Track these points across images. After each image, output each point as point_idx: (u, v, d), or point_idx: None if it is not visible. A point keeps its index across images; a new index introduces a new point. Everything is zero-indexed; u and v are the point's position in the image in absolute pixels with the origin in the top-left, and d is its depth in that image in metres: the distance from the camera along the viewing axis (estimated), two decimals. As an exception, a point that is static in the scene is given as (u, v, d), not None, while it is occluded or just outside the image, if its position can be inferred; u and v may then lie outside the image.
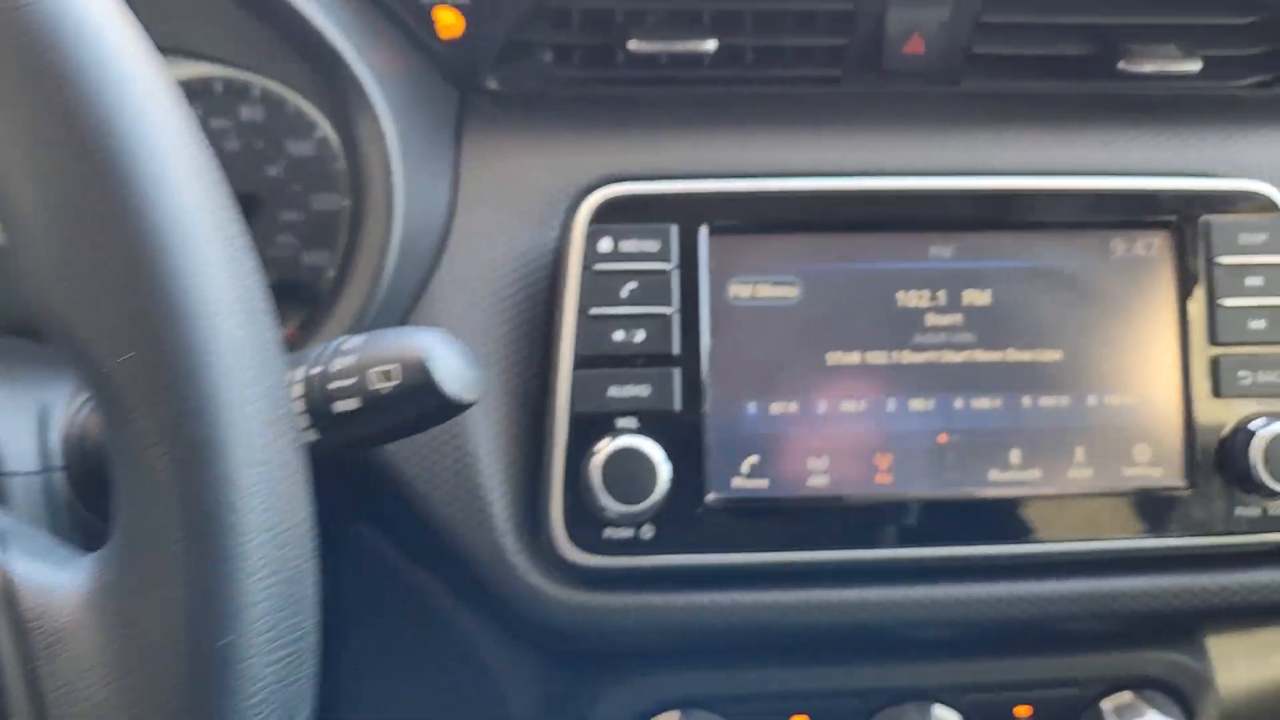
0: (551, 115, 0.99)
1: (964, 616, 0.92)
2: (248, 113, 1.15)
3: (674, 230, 0.91)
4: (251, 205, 1.15)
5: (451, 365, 0.68)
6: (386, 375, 0.67)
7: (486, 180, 0.95)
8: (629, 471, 0.86)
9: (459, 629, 0.98)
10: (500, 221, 0.94)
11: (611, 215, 0.91)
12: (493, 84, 1.02)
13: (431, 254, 0.92)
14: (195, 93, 1.13)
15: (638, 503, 0.86)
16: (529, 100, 1.01)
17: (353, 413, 0.68)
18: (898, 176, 0.95)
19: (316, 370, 0.69)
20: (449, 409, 0.68)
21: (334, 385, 0.68)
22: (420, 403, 0.68)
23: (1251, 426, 0.92)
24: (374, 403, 0.67)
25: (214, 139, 1.13)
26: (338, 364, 0.68)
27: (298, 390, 0.69)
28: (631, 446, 0.87)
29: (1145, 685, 0.99)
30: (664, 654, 0.96)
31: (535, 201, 0.94)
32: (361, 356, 0.68)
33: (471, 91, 1.02)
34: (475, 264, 0.93)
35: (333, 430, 0.69)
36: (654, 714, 0.95)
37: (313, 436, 0.69)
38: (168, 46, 1.12)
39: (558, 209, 0.94)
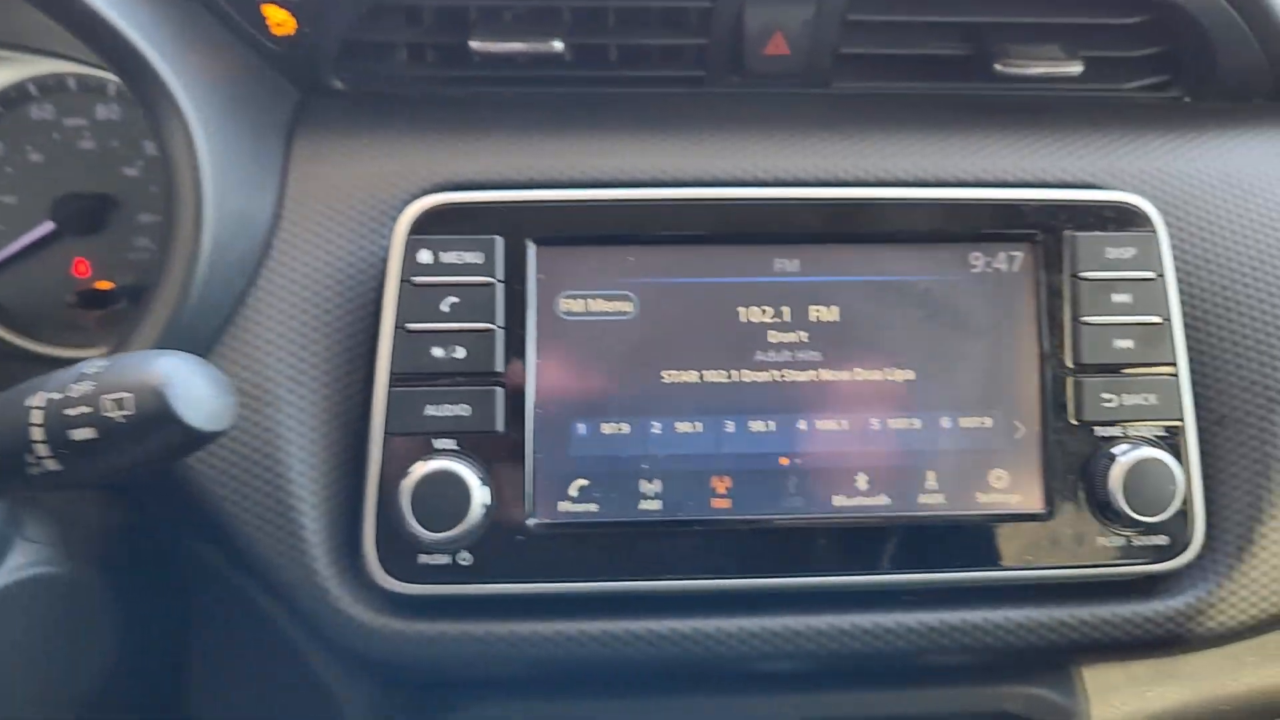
0: (395, 117, 0.95)
1: (807, 649, 0.88)
2: (103, 111, 1.11)
3: (499, 242, 0.86)
4: (109, 207, 1.12)
5: (193, 393, 0.64)
6: (120, 404, 0.63)
7: (316, 186, 0.91)
8: (440, 495, 0.82)
9: (296, 649, 0.95)
10: (328, 230, 0.90)
11: (434, 225, 0.87)
12: (337, 83, 0.98)
13: (251, 264, 0.88)
14: (48, 89, 1.10)
15: (448, 529, 0.82)
16: (376, 101, 0.97)
17: (91, 442, 0.64)
18: (743, 186, 0.91)
19: (56, 396, 0.65)
20: (193, 439, 0.64)
21: (70, 412, 0.64)
22: (161, 433, 0.64)
23: (1114, 451, 0.87)
24: (108, 433, 0.63)
25: (69, 137, 1.09)
26: (75, 390, 0.64)
27: (37, 417, 0.65)
28: (444, 469, 0.83)
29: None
30: (494, 683, 0.92)
31: (365, 209, 0.90)
32: (98, 383, 0.64)
33: (314, 92, 0.97)
34: (298, 275, 0.88)
35: (74, 459, 0.65)
36: (482, 746, 0.92)
37: (53, 466, 0.65)
38: (12, 43, 1.09)
39: (386, 218, 0.90)
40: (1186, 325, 0.92)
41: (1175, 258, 0.92)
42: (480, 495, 0.83)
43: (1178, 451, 0.88)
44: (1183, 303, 0.92)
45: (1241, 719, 1.04)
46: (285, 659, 0.96)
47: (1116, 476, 0.86)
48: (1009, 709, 0.94)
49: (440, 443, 0.85)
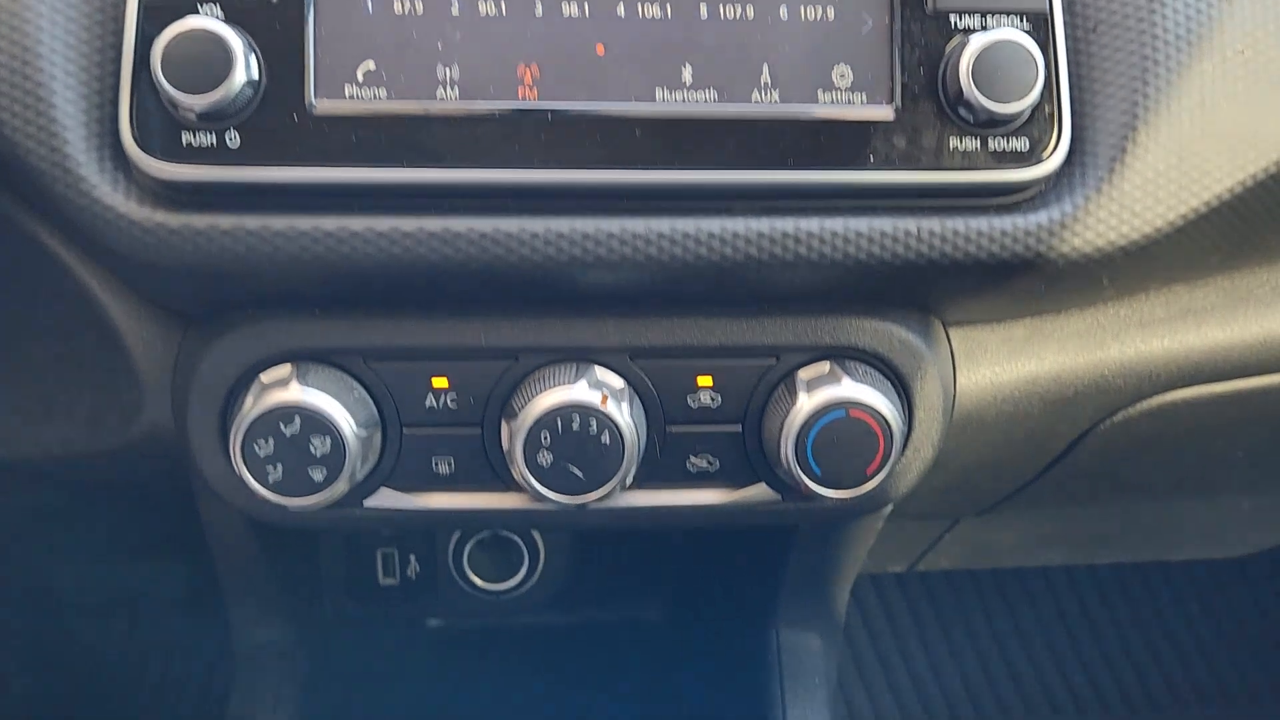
0: None
1: (623, 255, 0.79)
2: None
3: None
4: None
5: None
6: None
7: None
8: (197, 55, 0.73)
9: (70, 275, 0.86)
10: None
11: None
12: None
13: None
14: None
15: (205, 91, 0.73)
16: None
17: None
18: None
19: None
20: None
21: None
22: None
23: (969, 37, 0.78)
24: None
25: None
26: None
27: None
28: (201, 27, 0.74)
29: (852, 356, 0.86)
30: (276, 299, 0.83)
31: None
32: None
33: None
34: None
35: None
36: (262, 367, 0.83)
37: None
38: None
39: None
40: None
41: None
42: (244, 61, 0.74)
43: (1043, 42, 0.79)
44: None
45: (1124, 388, 0.96)
46: (57, 289, 0.87)
47: (968, 60, 0.77)
48: (860, 344, 0.85)
49: (206, 8, 0.76)
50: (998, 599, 1.72)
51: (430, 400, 0.86)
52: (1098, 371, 0.95)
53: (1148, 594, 1.75)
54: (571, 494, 0.84)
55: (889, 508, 0.99)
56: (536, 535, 1.19)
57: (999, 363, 0.94)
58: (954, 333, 0.93)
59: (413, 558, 1.19)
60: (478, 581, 1.18)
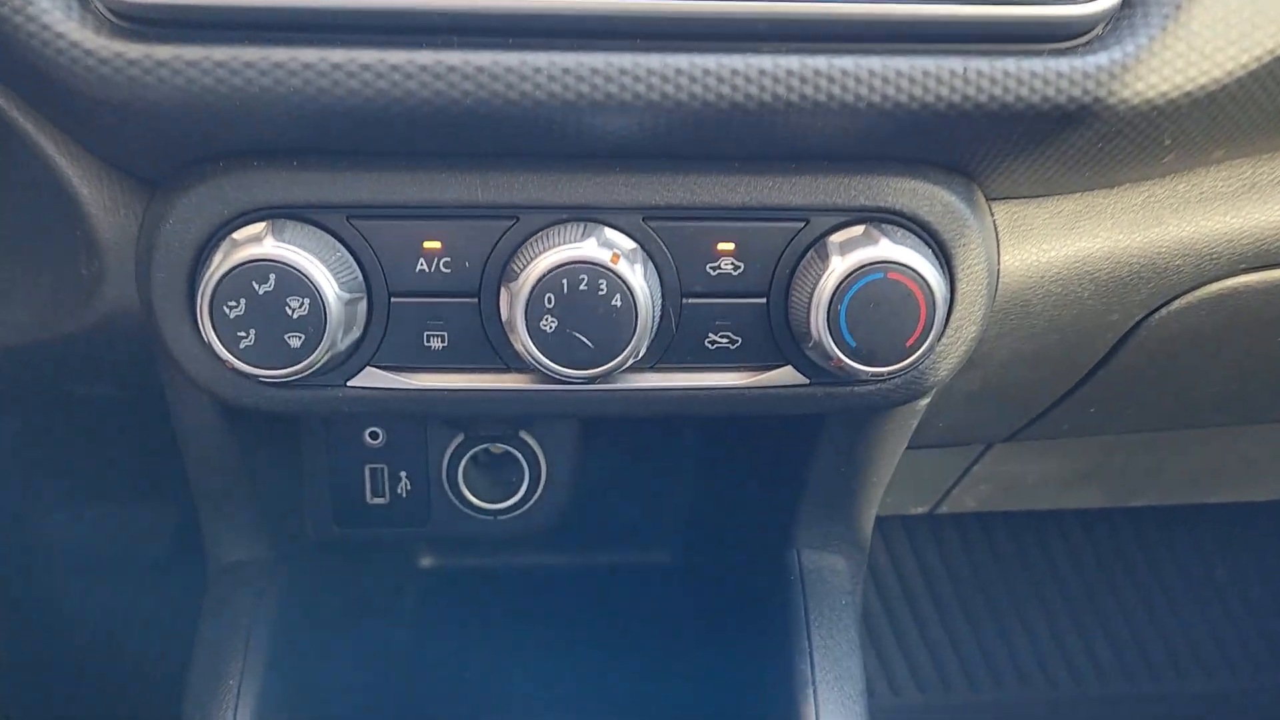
0: None
1: (634, 94, 0.70)
2: None
3: None
4: None
5: None
6: None
7: None
8: None
9: (25, 141, 0.77)
10: None
11: None
12: None
13: None
14: None
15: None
16: None
17: None
18: None
19: None
20: None
21: None
22: None
23: None
24: None
25: None
26: None
27: None
28: None
29: (890, 220, 0.78)
30: (249, 149, 0.75)
31: None
32: None
33: None
34: None
35: None
36: (233, 225, 0.75)
37: None
38: None
39: None
40: None
41: None
42: None
43: None
44: None
45: (1183, 269, 0.88)
46: (13, 159, 0.79)
47: None
48: (898, 206, 0.77)
49: None
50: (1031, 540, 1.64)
51: (421, 265, 0.77)
52: (1154, 250, 0.87)
53: (1186, 539, 1.67)
54: (578, 367, 0.75)
55: (925, 400, 0.90)
56: (537, 449, 1.10)
57: (1047, 240, 0.85)
58: (998, 208, 0.85)
59: (404, 474, 1.10)
60: (474, 500, 1.10)
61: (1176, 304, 0.91)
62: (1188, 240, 0.88)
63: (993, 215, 0.84)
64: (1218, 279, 0.90)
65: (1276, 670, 1.64)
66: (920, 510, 1.61)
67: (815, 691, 0.88)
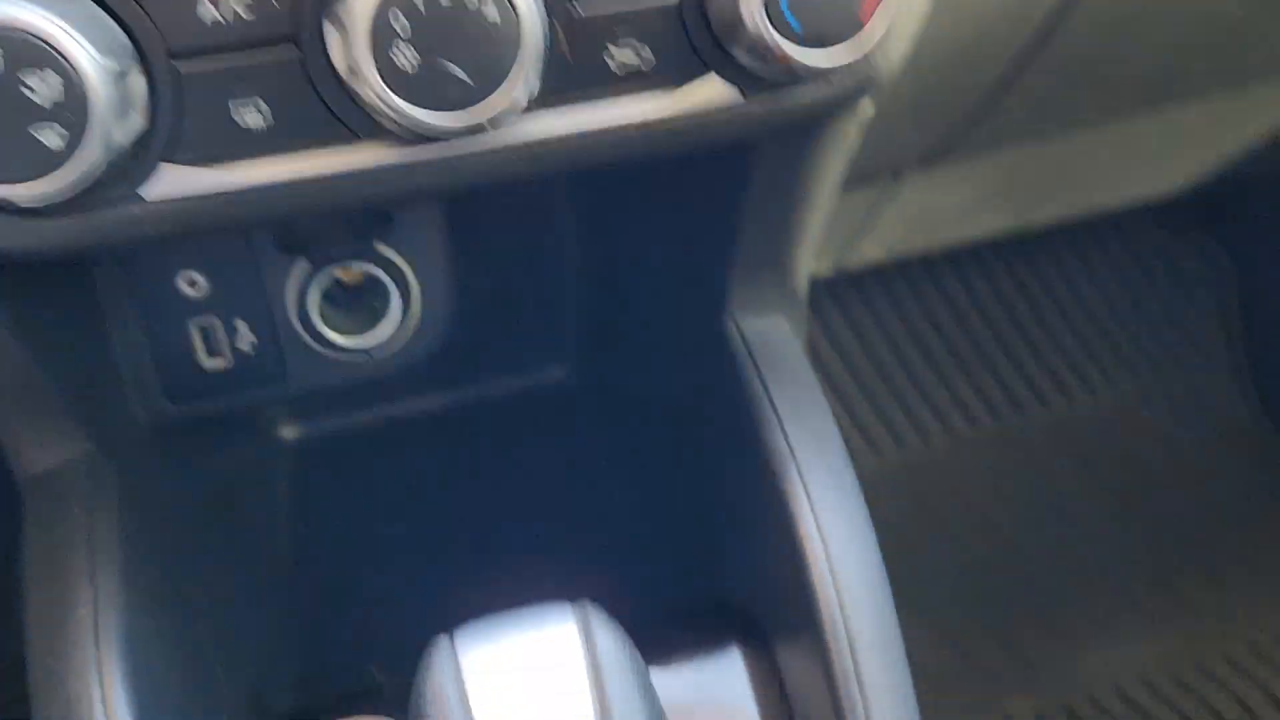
0: None
1: None
2: None
3: None
4: None
5: None
6: None
7: None
8: None
9: None
10: None
11: None
12: None
13: None
14: None
15: None
16: None
17: None
18: None
19: None
20: None
21: None
22: None
23: None
24: None
25: None
26: None
27: None
28: None
29: None
30: None
31: None
32: None
33: None
34: None
35: None
36: None
37: None
38: None
39: None
40: None
41: None
42: None
43: None
44: None
45: None
46: None
47: None
48: None
49: None
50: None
51: (205, 6, 0.56)
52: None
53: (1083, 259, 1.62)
54: (453, 108, 0.56)
55: (871, 109, 0.74)
56: (400, 261, 0.90)
57: None
58: None
59: (241, 324, 0.88)
60: (335, 339, 0.90)
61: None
62: None
63: None
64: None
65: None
66: (825, 272, 1.48)
67: (799, 469, 0.75)
